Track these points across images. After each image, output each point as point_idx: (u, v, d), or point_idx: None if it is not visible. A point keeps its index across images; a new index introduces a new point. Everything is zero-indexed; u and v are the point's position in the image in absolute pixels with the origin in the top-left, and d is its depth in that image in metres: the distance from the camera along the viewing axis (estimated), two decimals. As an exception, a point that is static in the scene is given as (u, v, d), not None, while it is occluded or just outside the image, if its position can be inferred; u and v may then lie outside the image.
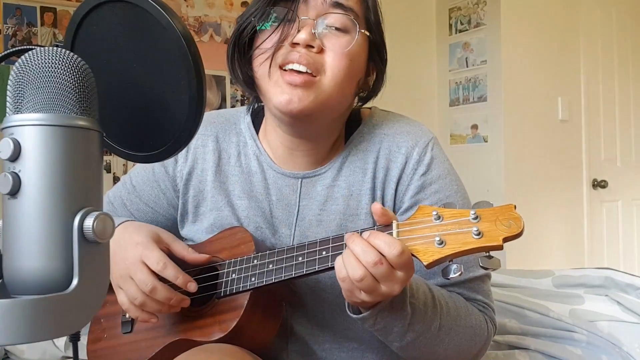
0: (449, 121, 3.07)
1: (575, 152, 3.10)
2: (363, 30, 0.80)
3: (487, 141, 2.88)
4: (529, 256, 2.84)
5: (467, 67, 2.97)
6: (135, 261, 0.79)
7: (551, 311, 1.34)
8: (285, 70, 0.78)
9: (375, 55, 0.85)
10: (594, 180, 3.17)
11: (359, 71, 0.83)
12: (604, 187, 3.18)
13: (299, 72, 0.77)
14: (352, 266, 0.65)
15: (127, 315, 0.90)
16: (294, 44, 0.77)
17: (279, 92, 0.78)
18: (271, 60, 0.78)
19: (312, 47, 0.77)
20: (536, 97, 2.93)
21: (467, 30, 2.97)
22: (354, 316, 0.74)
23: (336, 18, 0.78)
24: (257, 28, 0.80)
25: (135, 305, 0.79)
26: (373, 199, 0.86)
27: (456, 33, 3.03)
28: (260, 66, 0.80)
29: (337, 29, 0.78)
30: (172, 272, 0.79)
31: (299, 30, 0.77)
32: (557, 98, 3.01)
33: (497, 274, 1.60)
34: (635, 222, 3.37)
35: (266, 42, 0.79)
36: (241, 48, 0.83)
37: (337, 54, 0.78)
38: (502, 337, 1.31)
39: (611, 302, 1.37)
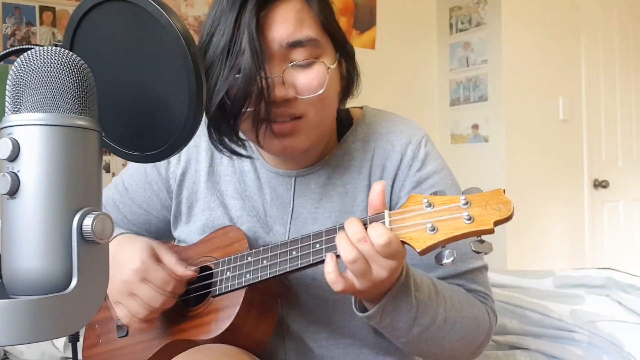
0: (450, 121, 3.06)
1: (576, 152, 3.10)
2: (327, 62, 0.78)
3: (487, 141, 2.88)
4: (530, 256, 2.84)
5: (467, 66, 2.96)
6: (136, 280, 0.79)
7: (552, 311, 1.33)
8: (269, 120, 0.76)
9: (341, 51, 0.83)
10: (595, 180, 3.17)
11: (336, 86, 0.82)
12: (605, 187, 3.18)
13: (284, 121, 0.77)
14: (345, 249, 0.66)
15: None
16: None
17: (271, 142, 0.79)
18: (256, 119, 0.75)
19: (288, 99, 0.76)
20: (537, 97, 2.93)
21: (467, 29, 2.97)
22: (361, 314, 0.74)
23: (299, 55, 0.76)
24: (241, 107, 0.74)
25: (138, 318, 0.80)
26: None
27: (457, 32, 3.02)
28: (243, 124, 0.77)
29: (303, 65, 0.76)
30: (177, 289, 0.81)
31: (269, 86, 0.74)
32: (558, 98, 3.01)
33: (498, 274, 1.60)
34: (637, 222, 3.37)
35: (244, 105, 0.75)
36: (222, 119, 0.78)
37: (312, 94, 0.76)
38: (502, 337, 1.30)
39: (612, 303, 1.37)
